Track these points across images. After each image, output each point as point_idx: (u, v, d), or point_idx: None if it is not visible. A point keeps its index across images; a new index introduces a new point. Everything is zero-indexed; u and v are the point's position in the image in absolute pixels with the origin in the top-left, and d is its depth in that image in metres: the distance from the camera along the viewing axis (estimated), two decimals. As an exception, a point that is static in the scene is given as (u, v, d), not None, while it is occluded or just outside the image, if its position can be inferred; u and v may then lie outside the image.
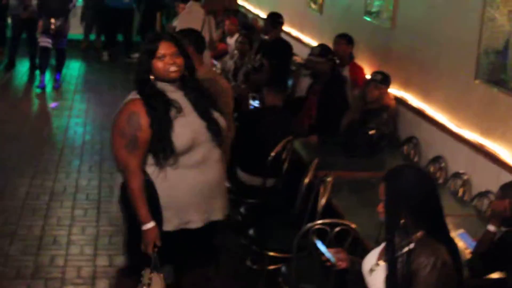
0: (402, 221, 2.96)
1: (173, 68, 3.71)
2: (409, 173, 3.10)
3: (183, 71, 3.78)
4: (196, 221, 3.83)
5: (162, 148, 3.68)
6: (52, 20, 10.63)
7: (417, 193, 2.99)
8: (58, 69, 11.28)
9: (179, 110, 3.72)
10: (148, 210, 3.68)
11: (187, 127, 3.71)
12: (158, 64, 3.70)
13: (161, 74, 3.72)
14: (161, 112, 3.69)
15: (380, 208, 3.10)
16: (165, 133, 3.66)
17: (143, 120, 3.66)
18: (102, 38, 14.44)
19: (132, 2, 13.62)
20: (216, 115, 3.89)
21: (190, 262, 4.08)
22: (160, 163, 3.71)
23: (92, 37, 14.66)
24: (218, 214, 3.96)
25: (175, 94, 3.78)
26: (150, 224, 3.69)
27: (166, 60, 3.70)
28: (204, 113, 3.82)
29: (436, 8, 6.12)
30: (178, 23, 8.27)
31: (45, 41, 10.79)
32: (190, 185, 3.78)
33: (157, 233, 3.71)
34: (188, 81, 3.85)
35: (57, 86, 11.09)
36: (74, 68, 12.93)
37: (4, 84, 11.36)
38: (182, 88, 3.82)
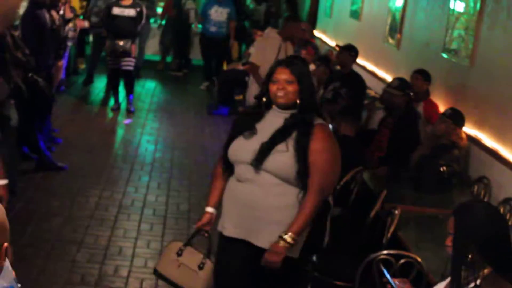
0: (470, 256, 2.92)
1: (280, 94, 3.85)
2: (479, 208, 3.07)
3: (294, 98, 3.86)
4: (228, 229, 3.98)
5: (223, 154, 4.03)
6: (121, 43, 10.54)
7: (486, 229, 2.95)
8: (129, 91, 11.07)
9: (253, 132, 3.91)
10: (212, 197, 4.10)
11: (241, 141, 3.92)
12: (271, 88, 3.89)
13: (271, 97, 3.90)
14: (237, 126, 4.01)
15: (449, 242, 3.07)
16: (227, 141, 4.00)
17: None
18: (178, 60, 14.73)
19: (226, 30, 13.17)
20: (282, 151, 3.81)
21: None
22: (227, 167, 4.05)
23: (169, 59, 14.93)
24: (260, 241, 3.89)
25: (273, 116, 3.93)
26: (208, 209, 4.10)
27: (277, 85, 3.86)
28: (273, 141, 3.85)
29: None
30: (255, 49, 8.37)
31: (114, 63, 10.76)
32: (233, 195, 3.99)
33: (208, 218, 4.09)
34: (301, 108, 3.89)
35: (132, 110, 10.94)
36: (149, 88, 13.19)
37: (82, 98, 11.64)
38: (291, 114, 3.91)
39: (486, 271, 2.90)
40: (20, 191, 6.80)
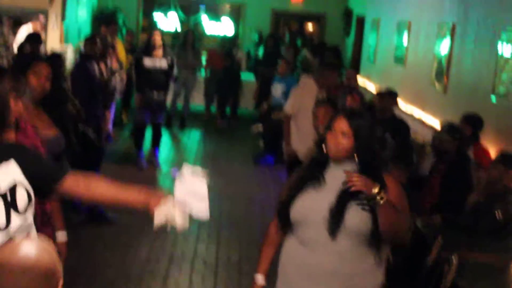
0: None
1: (334, 147, 3.48)
2: None
3: (346, 154, 3.47)
4: None
5: (281, 212, 3.63)
6: (155, 95, 10.37)
7: None
8: (156, 144, 10.79)
9: (318, 184, 3.52)
10: (264, 263, 3.77)
11: (307, 197, 3.50)
12: (327, 136, 3.53)
13: (327, 148, 3.51)
14: (299, 179, 3.60)
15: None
16: (288, 196, 3.58)
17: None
18: (223, 110, 14.86)
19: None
20: (356, 209, 3.40)
21: None
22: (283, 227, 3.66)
23: (213, 108, 15.04)
24: None
25: (335, 169, 3.51)
26: (259, 279, 3.75)
27: (334, 136, 3.48)
28: (344, 198, 3.42)
29: None
30: (292, 98, 8.26)
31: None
32: (300, 263, 3.54)
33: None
34: (361, 165, 3.48)
35: (157, 165, 10.64)
36: (194, 138, 13.30)
37: (130, 150, 11.67)
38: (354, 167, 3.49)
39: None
40: (72, 243, 6.82)
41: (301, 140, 7.59)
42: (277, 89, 12.16)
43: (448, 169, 6.53)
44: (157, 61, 10.44)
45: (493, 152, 7.23)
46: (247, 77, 15.21)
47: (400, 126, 8.31)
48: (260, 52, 15.71)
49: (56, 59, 7.37)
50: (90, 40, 9.46)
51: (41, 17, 11.88)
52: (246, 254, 7.25)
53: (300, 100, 7.83)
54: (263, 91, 13.72)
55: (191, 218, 3.06)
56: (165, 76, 10.52)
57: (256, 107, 14.59)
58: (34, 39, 9.27)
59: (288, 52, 15.12)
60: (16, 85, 3.50)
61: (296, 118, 7.88)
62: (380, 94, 8.86)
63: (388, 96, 8.59)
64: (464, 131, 7.05)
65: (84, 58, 9.14)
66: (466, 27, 8.61)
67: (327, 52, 14.90)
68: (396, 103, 8.75)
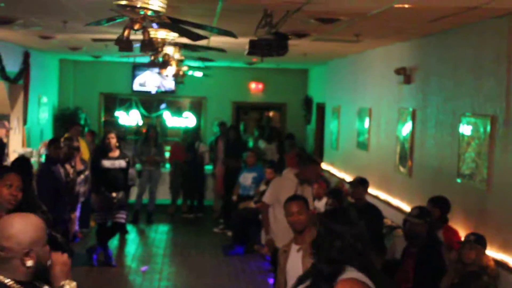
0: None
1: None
2: None
3: None
4: None
5: None
6: (114, 195, 10.35)
7: None
8: (105, 242, 10.52)
9: None
10: None
11: None
12: None
13: None
14: None
15: None
16: None
17: None
18: (189, 202, 14.84)
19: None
20: None
21: None
22: None
23: (179, 201, 15.00)
24: None
25: None
26: None
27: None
28: None
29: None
30: (270, 189, 8.29)
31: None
32: None
33: None
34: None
35: (113, 264, 10.38)
36: (162, 232, 13.22)
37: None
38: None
39: None
40: None
41: (278, 230, 7.62)
42: (247, 178, 12.22)
43: (420, 252, 6.56)
44: (116, 162, 10.48)
45: (462, 233, 7.30)
46: (211, 169, 15.25)
47: (373, 214, 8.34)
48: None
49: (24, 164, 7.35)
50: (53, 144, 9.46)
51: (6, 123, 11.88)
52: None
53: (279, 191, 7.85)
54: (228, 182, 13.74)
55: None
56: (123, 175, 10.55)
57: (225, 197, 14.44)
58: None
59: (255, 144, 15.29)
60: None
61: (273, 208, 7.92)
62: (352, 183, 8.93)
63: (360, 185, 8.68)
64: (433, 213, 7.13)
65: (49, 161, 9.13)
66: (426, 112, 8.80)
67: (286, 140, 15.11)
68: (367, 191, 8.84)
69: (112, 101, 17.97)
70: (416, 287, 6.44)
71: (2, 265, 2.96)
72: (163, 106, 17.97)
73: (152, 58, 8.64)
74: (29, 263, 2.99)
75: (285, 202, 5.40)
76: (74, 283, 3.21)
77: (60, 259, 3.12)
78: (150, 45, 5.55)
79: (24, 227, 3.00)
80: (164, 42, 7.27)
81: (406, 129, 9.52)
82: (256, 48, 6.92)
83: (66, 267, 3.15)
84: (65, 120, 15.74)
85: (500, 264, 6.49)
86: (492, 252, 6.56)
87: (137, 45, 5.54)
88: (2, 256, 2.95)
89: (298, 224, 5.02)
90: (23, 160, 7.77)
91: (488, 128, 6.89)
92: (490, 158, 6.87)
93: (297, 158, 8.85)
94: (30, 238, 2.99)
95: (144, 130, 15.96)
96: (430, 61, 8.80)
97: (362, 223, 3.67)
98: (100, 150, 10.67)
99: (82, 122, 15.88)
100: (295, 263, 4.70)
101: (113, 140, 10.46)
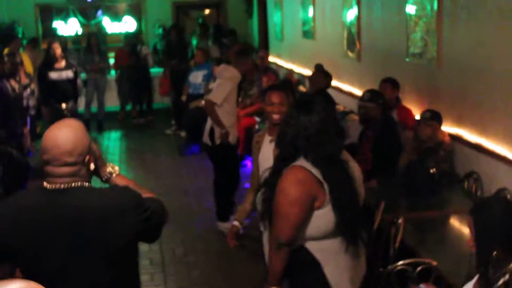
0: (494, 253, 2.93)
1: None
2: (496, 205, 3.09)
3: None
4: None
5: None
6: (64, 106, 10.39)
7: (506, 224, 2.98)
8: None
9: None
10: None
11: None
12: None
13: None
14: None
15: (470, 241, 3.08)
16: None
17: None
18: (138, 107, 14.70)
19: None
20: None
21: None
22: None
23: (128, 107, 14.86)
24: None
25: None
26: None
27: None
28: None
29: (485, 44, 6.14)
30: (220, 88, 8.07)
31: None
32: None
33: None
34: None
35: None
36: (115, 139, 13.14)
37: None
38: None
39: (512, 265, 2.91)
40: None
41: (228, 123, 7.62)
42: (197, 76, 12.08)
43: (377, 134, 6.64)
44: (63, 73, 10.29)
45: (415, 112, 7.41)
46: (157, 72, 15.03)
47: (328, 100, 8.39)
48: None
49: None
50: (-2, 60, 9.19)
51: None
52: (190, 245, 7.25)
53: (228, 89, 7.72)
54: (174, 83, 13.61)
55: None
56: (72, 85, 10.43)
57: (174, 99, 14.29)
58: None
59: (201, 42, 15.04)
60: None
61: (221, 106, 7.83)
62: (317, 69, 8.98)
63: (323, 74, 8.71)
64: (385, 95, 7.19)
65: (-6, 78, 8.89)
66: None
67: (227, 37, 14.91)
68: (329, 84, 8.91)
69: (49, 12, 17.45)
70: (375, 169, 6.54)
71: (75, 177, 2.92)
72: (99, 13, 17.54)
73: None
74: (92, 166, 2.98)
75: (268, 90, 5.06)
76: (117, 167, 3.23)
77: (94, 147, 3.04)
78: None
79: (78, 135, 2.92)
80: None
81: (351, 14, 9.49)
82: None
83: (98, 152, 3.12)
84: (3, 36, 15.26)
85: (454, 137, 6.63)
86: (447, 127, 6.68)
87: None
88: (72, 171, 2.90)
89: (277, 115, 4.72)
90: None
91: (435, 5, 6.89)
92: (439, 36, 6.90)
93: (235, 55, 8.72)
94: (87, 143, 2.95)
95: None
96: None
97: (323, 114, 3.69)
98: (46, 62, 10.45)
99: (20, 35, 15.43)
100: (267, 154, 4.66)
101: (58, 50, 10.24)
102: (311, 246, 3.64)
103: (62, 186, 2.89)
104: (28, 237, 2.85)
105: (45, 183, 2.92)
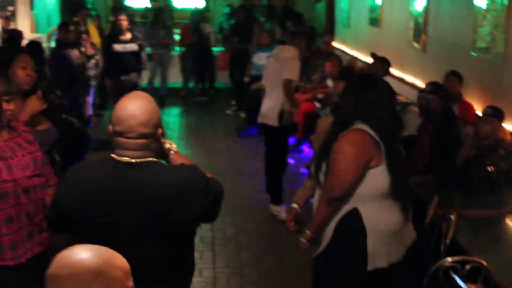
0: None
1: None
2: None
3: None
4: None
5: None
6: (126, 78, 10.46)
7: None
8: None
9: None
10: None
11: None
12: None
13: None
14: None
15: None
16: None
17: None
18: (200, 85, 14.77)
19: None
20: None
21: None
22: None
23: (191, 84, 14.94)
24: None
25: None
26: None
27: None
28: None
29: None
30: (293, 66, 8.11)
31: None
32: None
33: None
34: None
35: None
36: (176, 115, 13.26)
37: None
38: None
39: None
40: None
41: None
42: (262, 58, 12.05)
43: (436, 127, 6.55)
44: (127, 45, 10.38)
45: (477, 107, 7.28)
46: (220, 51, 15.05)
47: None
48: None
49: (36, 47, 7.28)
50: (64, 28, 9.36)
51: (8, 12, 11.70)
52: (241, 226, 7.29)
53: (299, 67, 7.90)
54: (237, 64, 13.63)
55: None
56: (135, 58, 10.52)
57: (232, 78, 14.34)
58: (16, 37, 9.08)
59: (267, 24, 14.99)
60: (7, 87, 3.51)
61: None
62: (375, 59, 8.93)
63: (382, 64, 8.65)
64: (448, 88, 7.08)
65: (60, 46, 9.04)
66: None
67: (291, 20, 14.80)
68: (387, 73, 8.84)
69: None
70: (433, 162, 6.46)
71: (146, 151, 2.88)
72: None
73: None
74: (163, 139, 3.02)
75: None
76: (174, 145, 3.21)
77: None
78: None
79: (153, 106, 2.91)
80: None
81: (420, 4, 9.34)
82: None
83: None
84: (72, 5, 15.49)
85: (516, 136, 6.49)
86: (509, 125, 6.55)
87: None
88: (144, 144, 2.86)
89: None
90: (34, 44, 7.70)
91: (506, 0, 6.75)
92: (507, 31, 6.75)
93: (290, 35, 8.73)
94: (159, 115, 2.96)
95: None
96: None
97: (384, 93, 3.93)
98: (112, 34, 10.55)
99: (89, 6, 15.63)
100: None
101: (124, 22, 10.33)
102: (364, 210, 3.86)
103: (134, 160, 2.85)
104: (94, 208, 2.84)
105: (113, 156, 2.89)
